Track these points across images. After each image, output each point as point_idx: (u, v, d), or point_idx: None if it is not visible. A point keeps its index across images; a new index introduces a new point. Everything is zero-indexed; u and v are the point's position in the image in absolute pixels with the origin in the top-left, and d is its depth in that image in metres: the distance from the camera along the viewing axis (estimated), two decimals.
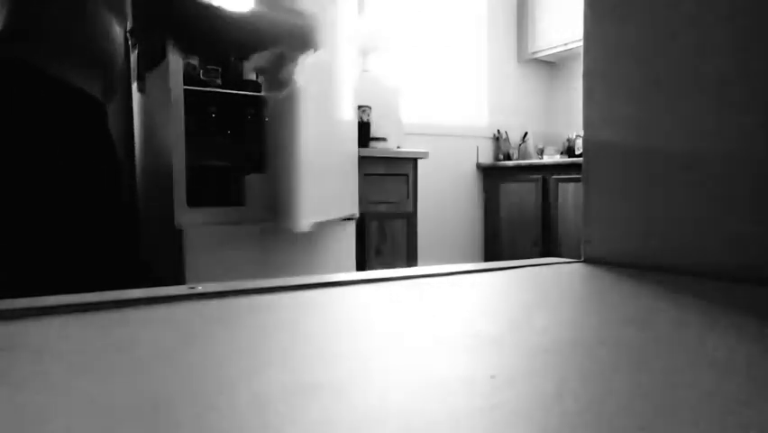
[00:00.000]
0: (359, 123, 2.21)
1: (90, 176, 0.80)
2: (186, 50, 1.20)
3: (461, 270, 0.61)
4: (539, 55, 3.71)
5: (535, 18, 3.66)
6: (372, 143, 2.44)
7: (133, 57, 2.00)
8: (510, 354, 0.32)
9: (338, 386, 0.26)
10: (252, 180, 1.87)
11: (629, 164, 0.64)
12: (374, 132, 2.46)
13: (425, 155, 2.47)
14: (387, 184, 2.36)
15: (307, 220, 1.66)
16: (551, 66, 3.92)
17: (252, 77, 2.02)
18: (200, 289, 0.48)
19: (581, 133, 0.71)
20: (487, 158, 3.70)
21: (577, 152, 3.34)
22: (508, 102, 3.78)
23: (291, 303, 0.46)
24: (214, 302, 0.45)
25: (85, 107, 0.81)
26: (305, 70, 1.13)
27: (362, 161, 2.16)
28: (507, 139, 3.67)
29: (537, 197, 3.24)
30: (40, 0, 0.79)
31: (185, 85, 1.72)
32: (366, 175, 2.24)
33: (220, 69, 1.94)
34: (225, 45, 0.99)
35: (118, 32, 0.86)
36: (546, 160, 3.36)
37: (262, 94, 1.96)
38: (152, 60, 1.81)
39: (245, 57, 1.11)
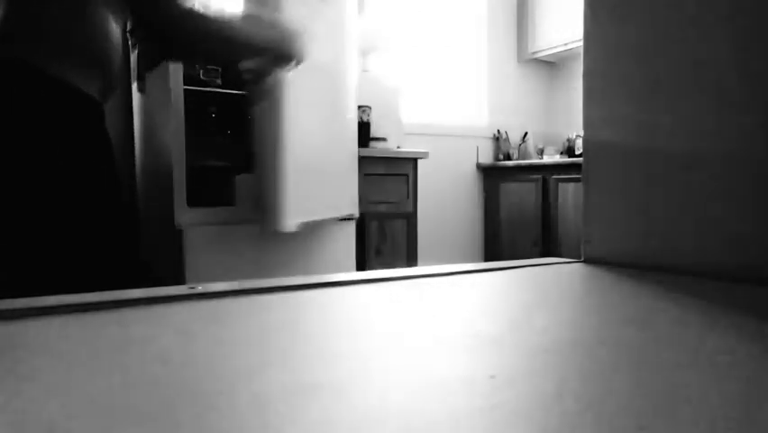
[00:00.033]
0: (359, 123, 2.21)
1: (88, 175, 0.80)
2: (167, 55, 1.19)
3: (461, 270, 0.61)
4: (539, 55, 3.70)
5: (535, 18, 3.66)
6: (372, 143, 2.44)
7: (133, 57, 2.00)
8: (510, 354, 0.32)
9: (338, 386, 0.26)
10: (241, 180, 1.84)
11: (629, 164, 0.64)
12: (374, 132, 2.46)
13: (425, 155, 2.47)
14: (387, 184, 2.36)
15: (293, 220, 1.62)
16: (551, 66, 3.92)
17: None
18: (200, 289, 0.48)
19: (581, 133, 0.71)
20: (487, 158, 3.70)
21: (577, 152, 3.34)
22: (508, 102, 3.78)
23: (291, 303, 0.46)
24: (214, 302, 0.45)
25: (82, 107, 0.81)
26: (294, 71, 1.12)
27: (362, 161, 2.16)
28: (507, 139, 3.67)
29: (537, 197, 3.24)
30: (40, 0, 0.79)
31: (185, 85, 1.71)
32: (366, 175, 2.24)
33: (220, 70, 1.94)
34: (205, 54, 0.99)
35: (118, 31, 0.86)
36: (546, 160, 3.36)
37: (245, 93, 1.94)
38: (152, 60, 1.81)
39: (225, 66, 1.10)
